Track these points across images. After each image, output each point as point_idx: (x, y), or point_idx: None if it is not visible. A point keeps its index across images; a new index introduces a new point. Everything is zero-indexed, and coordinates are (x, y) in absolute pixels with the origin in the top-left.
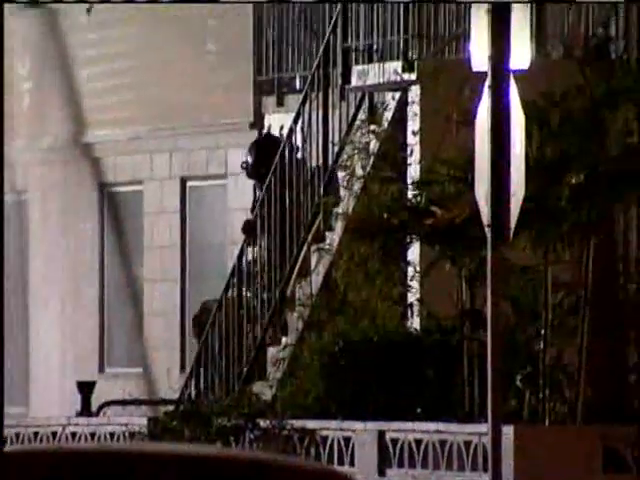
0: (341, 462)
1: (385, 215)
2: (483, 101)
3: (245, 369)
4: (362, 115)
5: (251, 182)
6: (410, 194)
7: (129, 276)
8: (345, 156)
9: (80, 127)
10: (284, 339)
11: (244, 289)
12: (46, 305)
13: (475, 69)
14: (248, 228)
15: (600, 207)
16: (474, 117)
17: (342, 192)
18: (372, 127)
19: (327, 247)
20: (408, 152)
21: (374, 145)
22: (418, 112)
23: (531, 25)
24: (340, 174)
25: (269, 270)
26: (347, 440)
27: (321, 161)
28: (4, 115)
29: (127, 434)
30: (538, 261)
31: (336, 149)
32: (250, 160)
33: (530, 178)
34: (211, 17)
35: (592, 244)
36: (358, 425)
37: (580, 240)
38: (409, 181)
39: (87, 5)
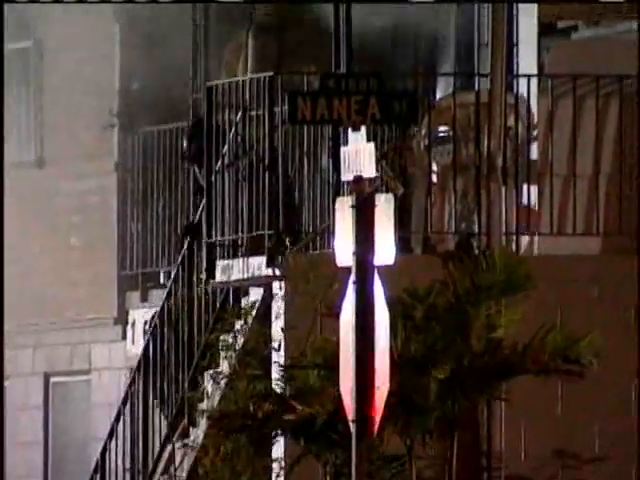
0: None
1: (251, 409)
2: (348, 295)
3: None
4: (227, 310)
5: (115, 377)
6: (275, 388)
7: None
8: (209, 353)
9: None
10: None
11: None
12: None
13: (340, 264)
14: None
15: (464, 402)
16: (339, 310)
17: (207, 388)
18: (237, 323)
19: (192, 443)
20: (274, 347)
21: (239, 341)
22: (283, 307)
23: (395, 220)
24: (204, 371)
25: (132, 468)
26: None
27: (186, 358)
28: None
29: None
30: (403, 455)
31: (201, 346)
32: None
33: (396, 372)
34: (76, 213)
35: (456, 439)
36: None
37: (444, 435)
38: (274, 376)
39: None
